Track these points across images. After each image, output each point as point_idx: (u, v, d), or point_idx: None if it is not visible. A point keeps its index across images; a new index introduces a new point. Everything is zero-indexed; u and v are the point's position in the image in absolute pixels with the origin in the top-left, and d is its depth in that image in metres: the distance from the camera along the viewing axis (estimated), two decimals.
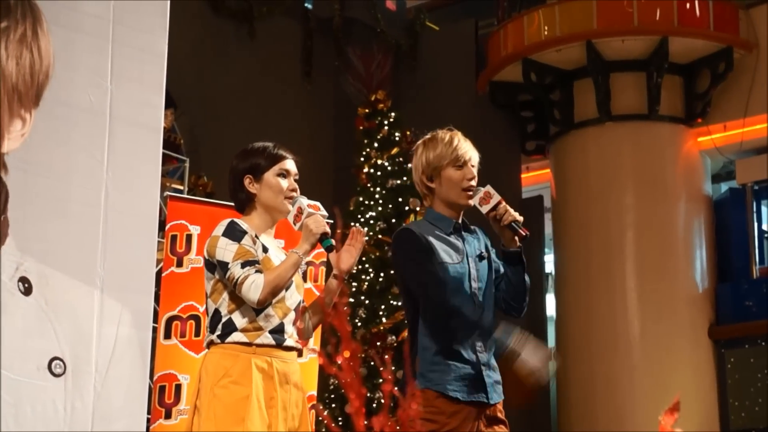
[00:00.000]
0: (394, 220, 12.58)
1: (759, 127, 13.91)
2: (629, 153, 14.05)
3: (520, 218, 4.39)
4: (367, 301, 12.19)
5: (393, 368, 11.02)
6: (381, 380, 10.86)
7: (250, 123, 14.04)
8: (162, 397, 6.54)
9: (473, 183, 4.40)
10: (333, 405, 11.91)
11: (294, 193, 4.34)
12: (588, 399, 13.38)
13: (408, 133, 12.93)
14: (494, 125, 15.15)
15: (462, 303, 4.29)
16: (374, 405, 11.40)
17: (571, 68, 14.29)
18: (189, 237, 6.76)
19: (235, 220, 4.27)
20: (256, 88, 14.66)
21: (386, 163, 12.88)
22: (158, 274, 6.25)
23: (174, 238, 6.75)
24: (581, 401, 13.48)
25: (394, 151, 12.93)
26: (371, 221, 12.63)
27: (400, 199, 12.67)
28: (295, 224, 4.28)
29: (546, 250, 15.71)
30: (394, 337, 11.74)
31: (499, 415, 4.36)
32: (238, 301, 4.17)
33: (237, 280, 4.11)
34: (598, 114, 14.09)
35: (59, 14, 4.81)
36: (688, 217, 14.00)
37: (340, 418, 11.71)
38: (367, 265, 12.46)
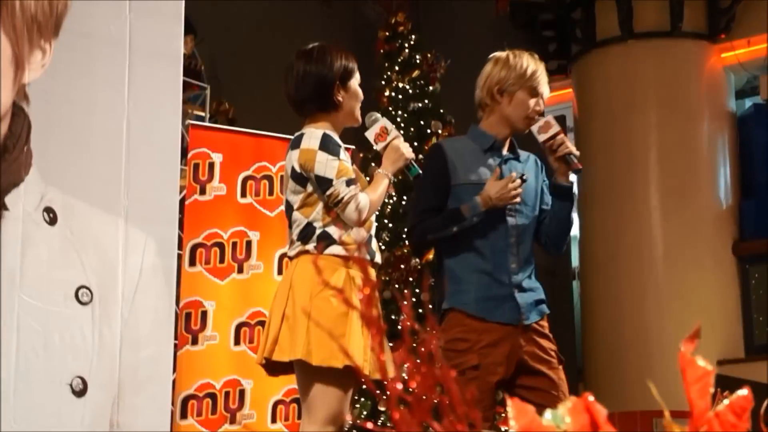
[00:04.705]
0: (416, 143, 12.56)
1: None
2: (652, 71, 13.94)
3: (577, 152, 4.44)
4: (390, 225, 12.22)
5: (417, 291, 11.05)
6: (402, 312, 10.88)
7: (269, 48, 13.98)
8: (188, 324, 6.61)
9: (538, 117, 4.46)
10: None
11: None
12: (613, 317, 13.43)
13: (429, 55, 12.85)
14: (515, 45, 14.98)
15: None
16: (399, 328, 11.48)
17: None
18: (211, 165, 6.78)
19: (327, 132, 4.16)
20: (276, 13, 14.58)
21: (407, 87, 12.81)
22: (181, 201, 6.29)
23: (196, 166, 6.78)
24: (606, 320, 13.53)
25: (415, 74, 12.86)
26: None
27: (422, 122, 12.63)
28: (376, 143, 4.24)
29: None
30: (417, 260, 11.79)
31: (542, 330, 4.34)
32: (333, 214, 4.10)
33: (342, 198, 4.04)
34: (620, 32, 13.96)
35: None
36: (712, 134, 13.92)
37: None
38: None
